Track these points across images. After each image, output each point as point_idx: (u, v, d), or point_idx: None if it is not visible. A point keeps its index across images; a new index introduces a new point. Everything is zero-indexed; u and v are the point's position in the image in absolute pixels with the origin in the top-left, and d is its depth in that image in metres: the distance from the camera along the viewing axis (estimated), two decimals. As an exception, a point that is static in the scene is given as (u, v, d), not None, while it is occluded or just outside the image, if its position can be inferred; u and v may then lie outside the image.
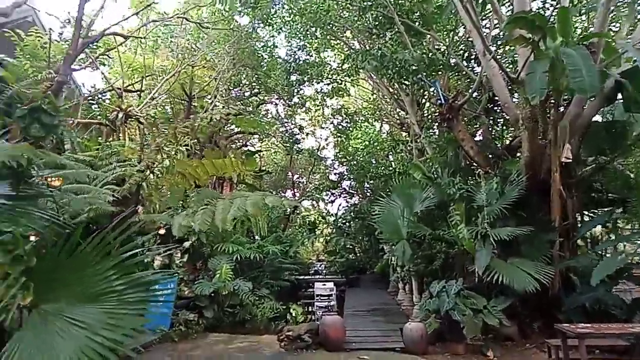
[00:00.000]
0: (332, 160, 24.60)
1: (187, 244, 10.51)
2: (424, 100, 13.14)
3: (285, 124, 18.61)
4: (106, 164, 6.80)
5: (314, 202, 28.05)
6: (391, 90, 14.76)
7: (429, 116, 11.85)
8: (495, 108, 11.22)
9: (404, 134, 18.38)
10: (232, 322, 9.95)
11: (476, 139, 11.65)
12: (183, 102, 11.44)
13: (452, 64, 11.05)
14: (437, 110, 10.56)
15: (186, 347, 8.00)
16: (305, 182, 26.27)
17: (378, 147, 18.70)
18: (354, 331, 8.48)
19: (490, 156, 10.37)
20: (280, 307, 10.59)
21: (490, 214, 8.56)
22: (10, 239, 3.16)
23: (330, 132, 22.91)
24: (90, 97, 9.45)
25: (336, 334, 7.81)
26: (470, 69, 11.66)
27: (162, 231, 10.55)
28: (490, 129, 11.90)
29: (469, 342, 7.78)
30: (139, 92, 10.48)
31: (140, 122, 8.77)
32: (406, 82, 10.93)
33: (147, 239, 7.76)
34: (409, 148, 13.43)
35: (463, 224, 8.84)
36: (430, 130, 11.33)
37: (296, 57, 15.93)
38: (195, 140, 11.06)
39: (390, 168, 16.21)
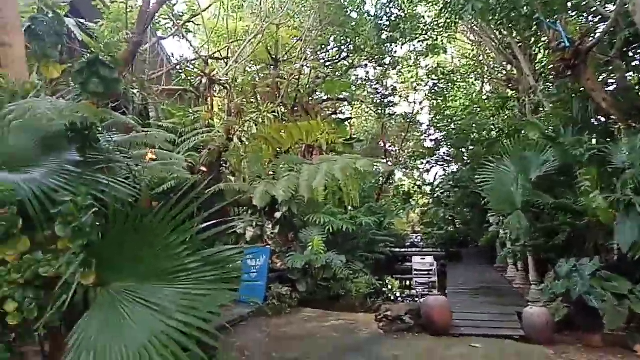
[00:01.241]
0: (428, 125, 23.01)
1: (278, 215, 10.18)
2: (537, 49, 11.21)
3: (376, 87, 17.41)
4: (189, 130, 6.48)
5: (409, 171, 26.74)
6: (497, 40, 12.90)
7: (546, 65, 9.97)
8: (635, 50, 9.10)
9: (510, 92, 16.30)
10: (326, 296, 9.48)
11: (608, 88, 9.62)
12: (269, 66, 10.96)
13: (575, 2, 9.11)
14: (559, 57, 8.78)
15: (279, 322, 7.67)
16: (398, 151, 24.99)
17: (480, 108, 16.82)
18: (461, 314, 7.48)
19: (630, 107, 8.41)
20: (376, 282, 9.87)
21: (636, 177, 6.87)
22: (70, 209, 2.75)
23: (425, 95, 21.27)
24: (177, 66, 9.32)
25: (442, 316, 6.90)
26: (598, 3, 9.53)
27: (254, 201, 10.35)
28: (627, 75, 9.75)
29: (608, 332, 6.41)
30: (225, 59, 10.20)
31: (225, 87, 8.43)
32: (517, 27, 9.25)
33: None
34: (519, 106, 11.64)
35: (598, 191, 7.25)
36: (548, 83, 9.54)
37: (387, 11, 14.59)
38: (282, 107, 10.47)
39: (496, 130, 14.45)
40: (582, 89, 8.41)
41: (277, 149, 6.93)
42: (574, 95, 9.01)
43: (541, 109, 9.91)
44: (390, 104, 17.84)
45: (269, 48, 10.58)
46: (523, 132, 11.28)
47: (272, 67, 10.79)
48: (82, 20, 6.88)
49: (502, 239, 12.78)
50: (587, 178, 7.57)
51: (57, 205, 2.82)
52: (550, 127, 8.92)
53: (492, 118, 15.56)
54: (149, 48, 8.63)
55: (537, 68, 11.70)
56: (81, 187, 2.99)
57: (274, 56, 10.53)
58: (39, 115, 2.94)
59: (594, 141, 8.06)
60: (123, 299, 2.93)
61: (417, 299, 10.25)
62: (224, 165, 7.36)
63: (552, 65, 9.02)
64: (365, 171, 13.15)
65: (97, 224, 2.92)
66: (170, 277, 3.14)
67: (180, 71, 9.12)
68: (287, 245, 10.11)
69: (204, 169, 7.53)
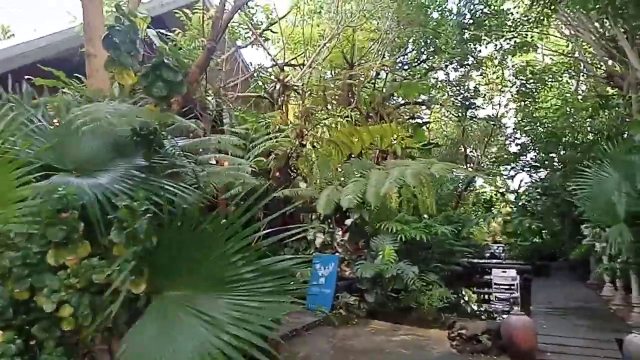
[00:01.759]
0: (513, 129, 21.45)
1: (348, 222, 9.94)
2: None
3: (457, 89, 16.49)
4: (261, 135, 6.47)
5: (491, 178, 25.15)
6: (597, 33, 11.60)
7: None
8: None
9: (611, 90, 14.60)
10: (396, 308, 9.06)
11: None
12: (344, 70, 10.77)
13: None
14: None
15: (346, 333, 7.41)
16: (479, 156, 23.60)
17: (575, 109, 15.27)
18: (548, 337, 6.68)
19: None
20: (451, 295, 9.24)
21: None
22: (125, 215, 2.74)
23: (511, 95, 19.84)
24: (253, 73, 9.48)
25: (526, 339, 6.19)
26: None
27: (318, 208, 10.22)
28: None
29: None
30: (300, 65, 10.20)
31: (298, 92, 8.38)
32: (624, 14, 8.15)
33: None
34: (623, 104, 10.29)
35: None
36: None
37: (471, 8, 13.75)
38: (358, 112, 10.23)
39: (594, 133, 13.00)
40: None
41: (348, 154, 6.72)
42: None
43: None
44: (472, 106, 16.78)
45: (344, 52, 10.41)
46: (628, 133, 9.99)
47: (347, 70, 10.61)
48: (163, 31, 7.16)
49: (597, 254, 11.43)
50: None
51: (116, 210, 2.83)
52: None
53: (589, 119, 14.04)
54: (226, 56, 8.85)
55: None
56: (140, 191, 2.98)
57: (349, 60, 10.33)
58: (101, 119, 2.97)
59: None
60: (177, 309, 2.86)
61: (496, 316, 9.46)
62: (294, 170, 7.30)
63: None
64: (440, 176, 12.52)
65: (155, 230, 2.89)
66: (227, 287, 3.04)
67: (257, 78, 9.26)
68: (357, 253, 9.83)
69: (277, 174, 7.53)
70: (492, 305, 9.92)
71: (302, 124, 6.25)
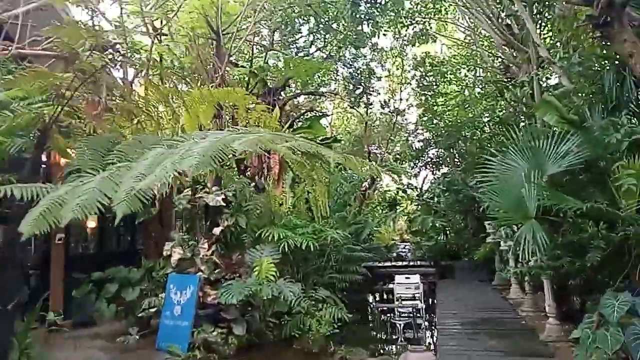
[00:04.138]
0: (415, 125, 20.85)
1: (217, 230, 7.83)
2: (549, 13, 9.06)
3: (350, 71, 15.06)
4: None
5: (394, 176, 24.51)
6: (494, 18, 10.79)
7: (564, 31, 7.74)
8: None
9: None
10: (276, 338, 7.15)
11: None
12: (212, 42, 8.61)
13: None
14: (583, 17, 6.61)
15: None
16: (383, 153, 22.76)
17: (474, 101, 14.67)
18: (458, 370, 5.20)
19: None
20: (345, 315, 7.53)
21: None
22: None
23: (412, 89, 19.13)
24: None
25: (428, 383, 4.60)
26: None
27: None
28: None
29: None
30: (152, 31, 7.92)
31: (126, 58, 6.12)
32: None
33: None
34: (520, 94, 9.50)
35: (647, 191, 5.07)
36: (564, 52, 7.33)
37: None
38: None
39: (493, 122, 12.29)
40: (617, 55, 6.23)
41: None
42: (604, 64, 6.83)
43: (555, 90, 7.73)
44: (367, 90, 15.45)
45: (209, 18, 8.27)
46: (529, 121, 9.11)
47: (214, 41, 8.46)
48: None
49: (503, 253, 10.59)
50: (631, 173, 5.38)
51: None
52: (575, 107, 6.72)
53: (488, 110, 13.39)
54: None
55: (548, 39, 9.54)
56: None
57: (214, 28, 8.23)
58: None
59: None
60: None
61: (397, 338, 7.95)
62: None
63: (575, 26, 6.82)
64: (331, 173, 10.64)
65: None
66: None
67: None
68: (230, 270, 7.73)
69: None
70: (395, 321, 8.40)
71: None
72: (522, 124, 9.96)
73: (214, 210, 8.26)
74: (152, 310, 7.11)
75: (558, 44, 8.48)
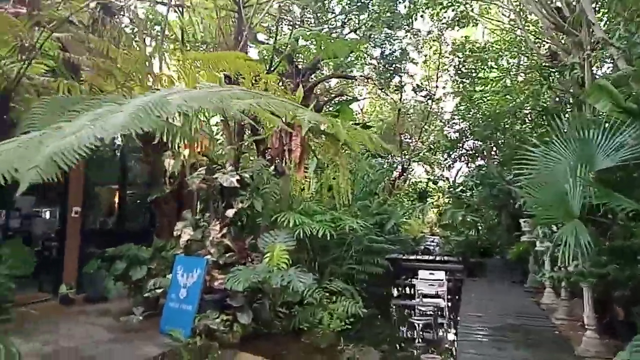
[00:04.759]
0: (451, 114, 19.83)
1: (230, 213, 7.46)
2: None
3: (381, 49, 14.28)
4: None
5: (427, 167, 23.62)
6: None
7: (621, 15, 6.82)
8: None
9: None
10: (285, 329, 6.76)
11: None
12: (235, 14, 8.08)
13: None
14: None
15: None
16: (415, 142, 21.91)
17: (516, 90, 13.64)
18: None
19: None
20: (361, 310, 7.04)
21: None
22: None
23: (450, 76, 18.14)
24: None
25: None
26: None
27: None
28: None
29: None
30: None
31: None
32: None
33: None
34: (570, 80, 8.59)
35: None
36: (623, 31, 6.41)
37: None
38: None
39: (536, 112, 11.35)
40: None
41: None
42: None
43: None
44: (398, 71, 14.63)
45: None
46: (578, 111, 8.23)
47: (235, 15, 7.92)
48: None
49: (538, 254, 9.78)
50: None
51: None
52: (629, 96, 5.89)
53: (527, 100, 12.39)
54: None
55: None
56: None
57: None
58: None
59: None
60: None
61: (415, 339, 7.39)
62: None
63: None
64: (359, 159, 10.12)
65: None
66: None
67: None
68: (243, 254, 7.36)
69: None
70: (414, 320, 7.82)
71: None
72: (568, 114, 9.04)
73: (230, 191, 7.90)
74: (159, 291, 6.85)
75: (615, 26, 7.53)
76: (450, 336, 7.96)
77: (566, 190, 5.56)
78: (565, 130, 6.47)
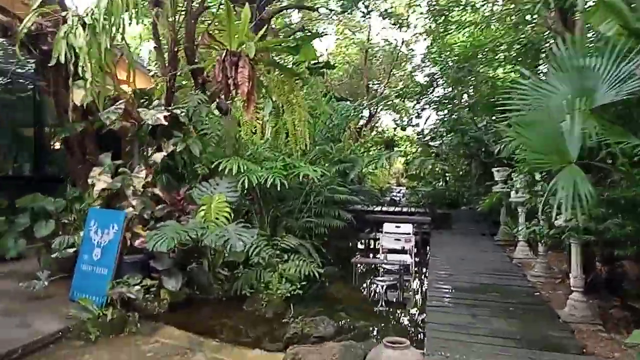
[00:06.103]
0: (422, 57, 18.54)
1: (158, 157, 6.15)
2: None
3: None
4: None
5: (395, 115, 22.54)
6: None
7: None
8: None
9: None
10: (226, 294, 5.73)
11: None
12: None
13: None
14: None
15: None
16: (383, 88, 20.67)
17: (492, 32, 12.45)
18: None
19: None
20: (313, 269, 6.07)
21: None
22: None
23: (420, 14, 16.73)
24: None
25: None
26: None
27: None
28: None
29: None
30: None
31: None
32: None
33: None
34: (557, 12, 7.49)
35: None
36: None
37: None
38: None
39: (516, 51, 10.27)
40: None
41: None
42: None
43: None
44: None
45: None
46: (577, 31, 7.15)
47: None
48: None
49: (512, 205, 9.03)
50: None
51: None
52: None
53: (507, 34, 11.23)
54: None
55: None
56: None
57: None
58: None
59: None
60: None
61: (378, 305, 6.52)
62: None
63: None
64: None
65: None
66: None
67: None
68: (177, 207, 6.15)
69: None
70: (377, 282, 6.95)
71: None
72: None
73: (162, 132, 6.57)
74: (70, 250, 5.58)
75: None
76: (418, 296, 7.20)
77: (562, 129, 4.55)
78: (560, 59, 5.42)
